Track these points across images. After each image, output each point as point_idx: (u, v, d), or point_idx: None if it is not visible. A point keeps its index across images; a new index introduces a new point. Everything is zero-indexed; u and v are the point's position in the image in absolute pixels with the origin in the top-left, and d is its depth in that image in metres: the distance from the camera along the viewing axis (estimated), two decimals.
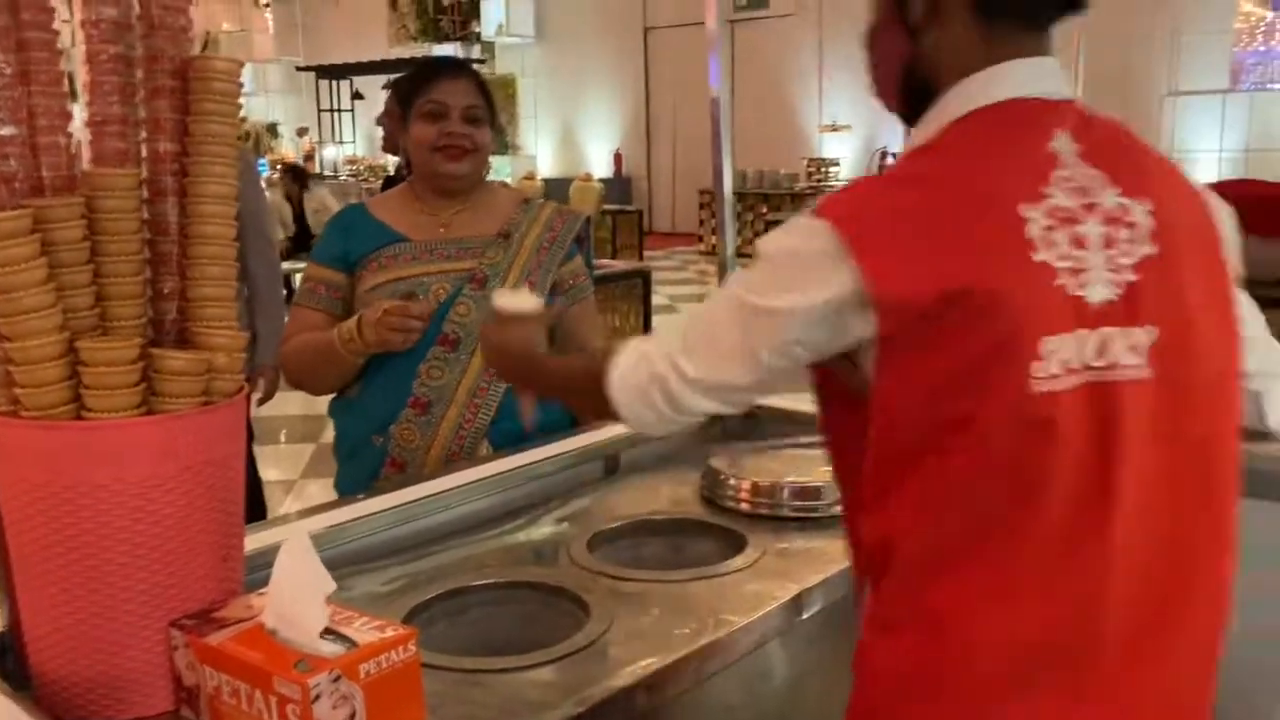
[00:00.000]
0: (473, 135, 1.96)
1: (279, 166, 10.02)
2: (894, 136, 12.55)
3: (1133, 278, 0.95)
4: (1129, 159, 1.00)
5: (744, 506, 1.71)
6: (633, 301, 5.83)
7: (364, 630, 1.05)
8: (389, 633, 1.04)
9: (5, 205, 1.07)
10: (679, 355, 1.04)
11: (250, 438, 3.39)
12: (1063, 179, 0.95)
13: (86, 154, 1.23)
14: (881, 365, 0.95)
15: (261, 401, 3.34)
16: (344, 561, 1.55)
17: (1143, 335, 0.94)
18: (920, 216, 0.94)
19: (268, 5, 16.89)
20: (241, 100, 1.25)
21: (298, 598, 1.04)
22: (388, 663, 1.02)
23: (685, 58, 13.04)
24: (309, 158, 15.47)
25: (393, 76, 2.52)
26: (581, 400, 1.30)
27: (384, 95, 4.08)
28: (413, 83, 1.99)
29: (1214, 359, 1.00)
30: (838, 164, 12.97)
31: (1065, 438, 0.92)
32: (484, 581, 1.48)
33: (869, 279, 0.92)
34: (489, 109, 1.99)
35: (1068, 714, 0.97)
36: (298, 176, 9.30)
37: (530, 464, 1.80)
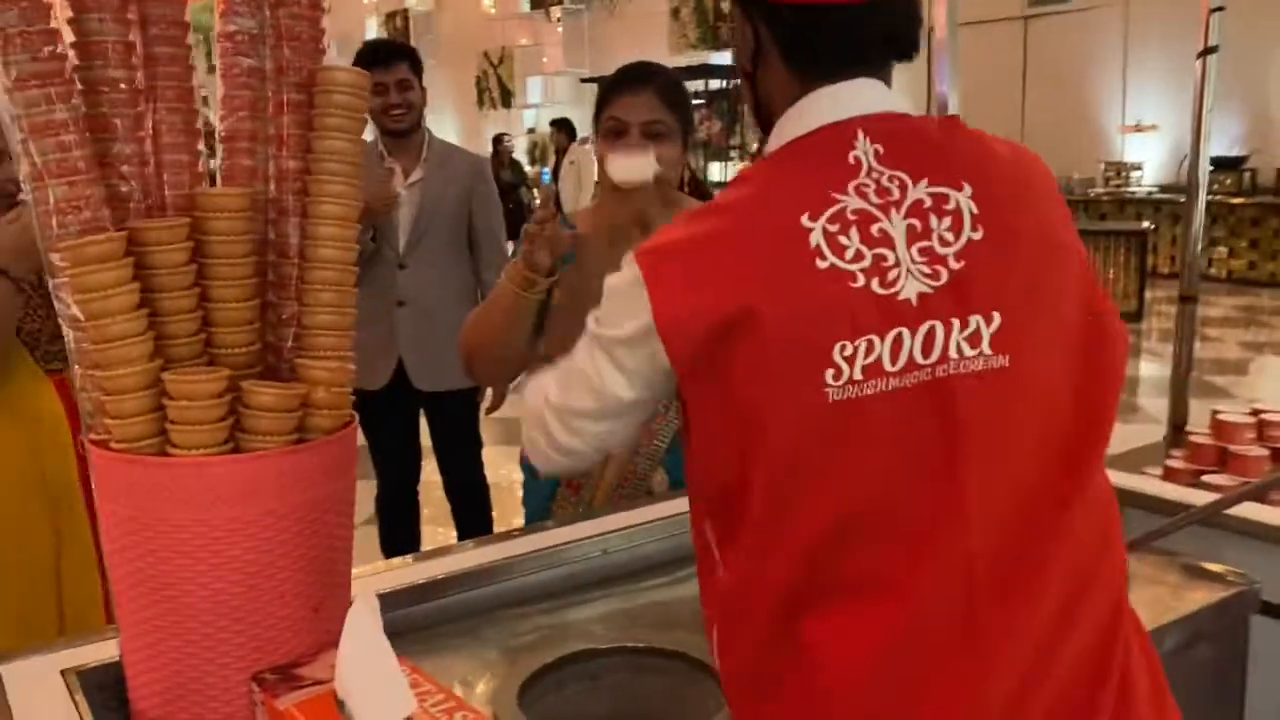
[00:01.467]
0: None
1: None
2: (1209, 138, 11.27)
3: (957, 266, 0.91)
4: (939, 151, 0.96)
5: None
6: None
7: (434, 712, 0.93)
8: None
9: (109, 227, 1.03)
10: (551, 382, 1.06)
11: (479, 445, 3.46)
12: (860, 185, 0.93)
13: (220, 173, 1.19)
14: (686, 401, 0.94)
15: (489, 410, 3.36)
16: (489, 604, 1.46)
17: (981, 324, 0.91)
18: (709, 245, 0.93)
19: (559, 20, 17.61)
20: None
21: (363, 671, 0.93)
22: None
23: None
24: None
25: None
26: None
27: None
28: (600, 96, 1.87)
29: (1058, 340, 0.94)
30: (1140, 168, 11.81)
31: (888, 444, 0.89)
32: (621, 645, 1.32)
33: (655, 307, 0.92)
34: (680, 120, 1.83)
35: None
36: (564, 127, 10.26)
37: None
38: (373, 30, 17.44)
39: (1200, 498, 1.73)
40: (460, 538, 3.46)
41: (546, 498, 1.87)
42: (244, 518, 1.01)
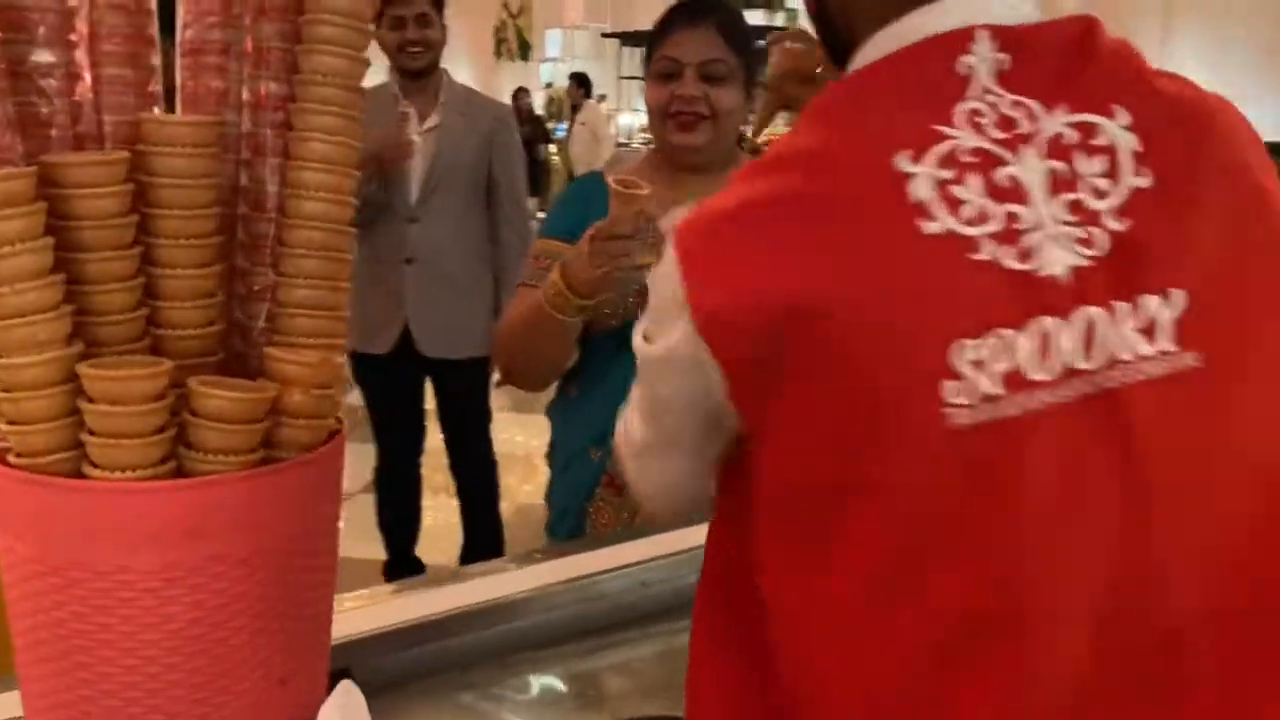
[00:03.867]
0: (710, 98, 1.54)
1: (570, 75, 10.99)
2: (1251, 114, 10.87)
3: (1119, 226, 0.65)
4: (1080, 66, 0.69)
5: None
6: None
7: None
8: None
9: (16, 160, 0.76)
10: (628, 410, 0.83)
11: (487, 417, 3.20)
12: (973, 111, 0.67)
13: (180, 96, 0.92)
14: (747, 428, 0.68)
15: (500, 383, 3.10)
16: (516, 643, 1.19)
17: (1159, 306, 0.64)
18: (768, 210, 0.68)
19: None
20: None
21: None
22: None
23: None
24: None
25: None
26: None
27: None
28: (651, 35, 1.62)
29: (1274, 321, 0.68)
30: None
31: (1042, 490, 0.62)
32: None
33: (692, 301, 0.67)
34: (742, 62, 1.57)
35: None
36: (583, 83, 9.94)
37: None
38: None
39: None
40: (464, 512, 3.22)
41: (583, 497, 1.60)
42: (185, 564, 0.74)
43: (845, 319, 0.63)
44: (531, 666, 1.19)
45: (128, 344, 0.79)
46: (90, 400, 0.72)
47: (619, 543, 1.34)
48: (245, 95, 0.89)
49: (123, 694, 0.75)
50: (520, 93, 12.66)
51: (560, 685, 1.18)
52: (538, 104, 15.00)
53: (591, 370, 1.62)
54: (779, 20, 14.10)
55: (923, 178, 0.65)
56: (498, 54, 17.40)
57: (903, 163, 0.65)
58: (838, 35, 0.79)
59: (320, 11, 0.83)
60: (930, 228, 0.64)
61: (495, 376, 3.08)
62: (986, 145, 0.66)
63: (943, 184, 0.65)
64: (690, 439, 0.76)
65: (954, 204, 0.65)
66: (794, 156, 0.71)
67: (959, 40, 0.69)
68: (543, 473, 4.62)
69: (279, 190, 0.87)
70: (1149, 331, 0.65)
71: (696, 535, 1.31)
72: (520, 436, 4.85)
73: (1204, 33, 10.69)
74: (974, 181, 0.65)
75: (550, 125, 14.32)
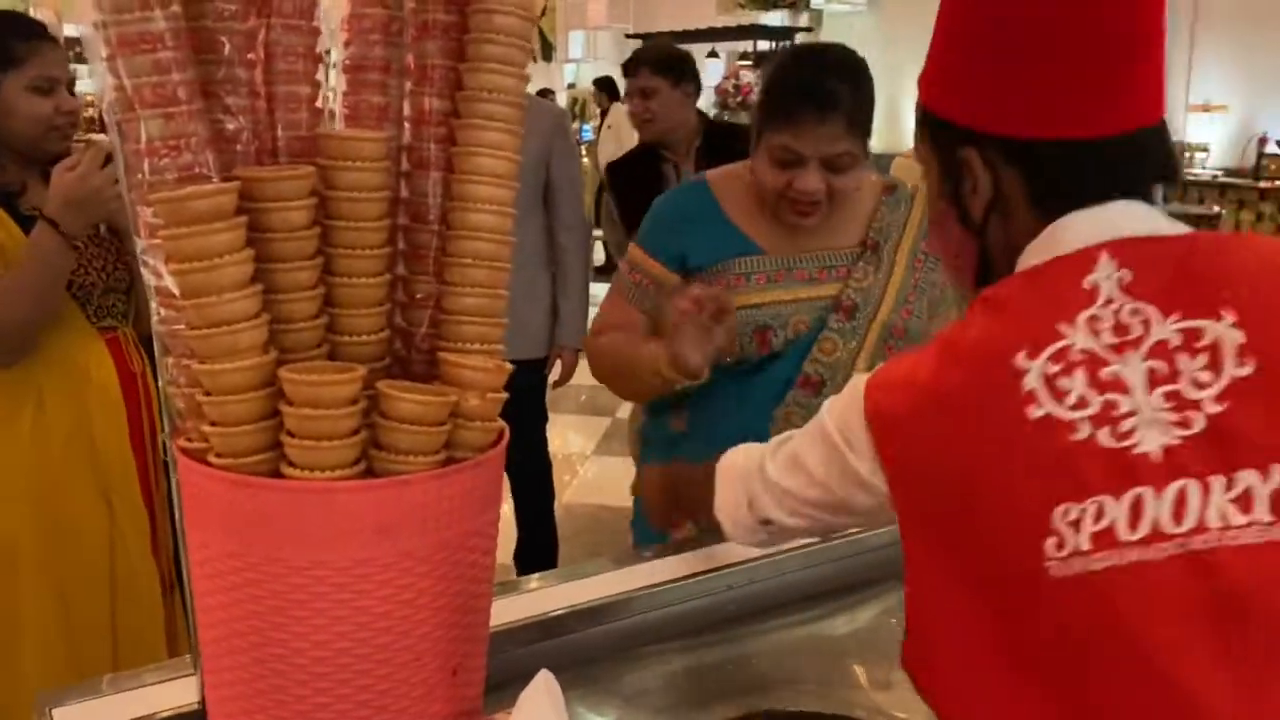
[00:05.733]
0: (832, 186, 1.49)
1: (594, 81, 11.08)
2: (1278, 121, 10.81)
3: (1217, 409, 0.75)
4: (1198, 277, 0.79)
5: None
6: None
7: None
8: None
9: (211, 175, 0.80)
10: (769, 454, 0.97)
11: (544, 420, 3.23)
12: (1093, 318, 0.78)
13: (341, 111, 0.95)
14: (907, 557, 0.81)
15: (557, 384, 3.14)
16: (618, 643, 1.23)
17: (1257, 480, 0.73)
18: (929, 396, 0.81)
19: None
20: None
21: None
22: None
23: None
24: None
25: (716, 45, 2.11)
26: None
27: (708, 64, 3.75)
28: (769, 109, 1.50)
29: None
30: (1206, 150, 11.33)
31: (1128, 633, 0.72)
32: (803, 710, 1.10)
33: (884, 459, 0.83)
34: (864, 138, 1.51)
35: None
36: (607, 88, 10.02)
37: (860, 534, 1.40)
38: None
39: None
40: (518, 513, 3.26)
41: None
42: (377, 560, 0.78)
43: (980, 493, 0.76)
44: (654, 660, 1.22)
45: (309, 350, 0.83)
46: (290, 404, 0.76)
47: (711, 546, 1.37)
48: (407, 110, 0.93)
49: (313, 683, 0.79)
50: (544, 94, 12.73)
51: (678, 680, 1.21)
52: (561, 105, 15.04)
53: (702, 407, 1.59)
54: (803, 20, 14.10)
55: (1034, 372, 0.76)
56: None
57: (1020, 360, 0.76)
58: (996, 267, 0.89)
59: (487, 31, 0.87)
60: (1034, 413, 0.75)
61: (553, 377, 3.12)
62: (1096, 348, 0.76)
63: (1050, 376, 0.75)
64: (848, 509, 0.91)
65: (1058, 393, 0.75)
66: (955, 347, 0.82)
67: (1086, 261, 0.79)
68: (579, 473, 4.63)
69: (441, 202, 0.91)
70: (1244, 502, 0.72)
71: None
72: (559, 439, 4.90)
73: (1230, 41, 10.63)
74: (1079, 375, 0.75)
75: (574, 126, 14.37)
